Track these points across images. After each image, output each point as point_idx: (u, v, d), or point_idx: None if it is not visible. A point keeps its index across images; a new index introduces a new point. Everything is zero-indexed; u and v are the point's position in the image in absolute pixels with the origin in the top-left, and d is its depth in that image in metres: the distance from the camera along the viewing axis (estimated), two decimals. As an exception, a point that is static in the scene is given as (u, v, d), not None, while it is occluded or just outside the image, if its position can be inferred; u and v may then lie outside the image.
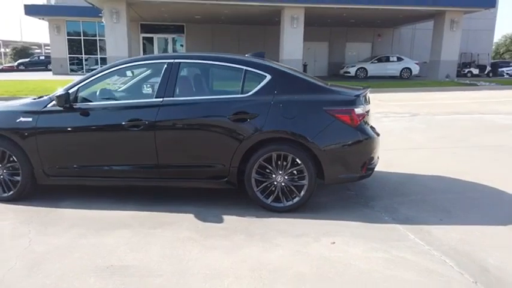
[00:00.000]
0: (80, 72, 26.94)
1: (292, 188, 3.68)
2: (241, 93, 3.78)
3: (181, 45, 26.98)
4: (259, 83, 3.75)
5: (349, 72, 24.63)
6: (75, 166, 3.93)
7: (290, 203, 3.69)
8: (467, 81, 21.09)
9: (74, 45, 27.18)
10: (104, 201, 4.02)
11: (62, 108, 3.86)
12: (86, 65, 27.54)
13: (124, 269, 2.71)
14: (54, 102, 3.90)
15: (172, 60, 3.90)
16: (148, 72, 4.24)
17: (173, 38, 26.89)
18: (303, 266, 2.72)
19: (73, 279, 2.58)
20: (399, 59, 24.97)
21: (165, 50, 26.80)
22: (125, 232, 3.32)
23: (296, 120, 3.60)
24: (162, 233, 3.30)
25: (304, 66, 20.70)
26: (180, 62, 3.89)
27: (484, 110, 11.77)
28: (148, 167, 3.83)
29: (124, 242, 3.14)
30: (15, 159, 3.94)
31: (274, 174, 3.68)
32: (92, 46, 27.74)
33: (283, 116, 3.61)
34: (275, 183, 3.70)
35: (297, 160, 3.61)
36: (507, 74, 33.44)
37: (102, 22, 19.31)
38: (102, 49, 27.10)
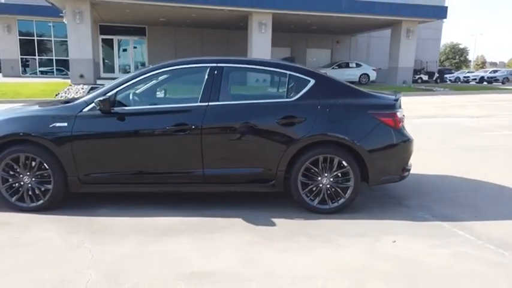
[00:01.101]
0: (32, 74, 25.50)
1: (338, 189, 3.79)
2: (287, 97, 3.85)
3: (134, 47, 26.34)
4: (304, 88, 3.84)
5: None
6: (113, 173, 3.79)
7: (335, 204, 3.81)
8: (423, 87, 22.44)
9: (26, 46, 25.64)
10: (141, 208, 3.91)
11: (99, 113, 3.72)
12: (39, 66, 26.11)
13: (209, 275, 2.68)
14: (91, 106, 3.75)
15: (215, 64, 3.89)
16: (185, 76, 4.19)
17: (134, 40, 26.19)
18: (382, 265, 2.84)
19: (164, 287, 2.52)
20: (358, 65, 26.03)
21: (126, 53, 26.07)
22: (183, 238, 3.27)
23: (343, 124, 3.73)
24: (222, 238, 3.29)
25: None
26: (223, 66, 3.89)
27: (448, 113, 12.63)
28: (194, 172, 3.78)
29: (188, 248, 3.09)
30: (47, 167, 3.73)
31: (320, 176, 3.78)
32: (46, 47, 26.34)
33: (330, 119, 3.73)
34: (320, 185, 3.80)
35: (343, 162, 3.74)
36: (449, 80, 36.01)
37: (64, 22, 18.44)
38: (58, 50, 25.87)
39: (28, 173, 3.77)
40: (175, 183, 3.85)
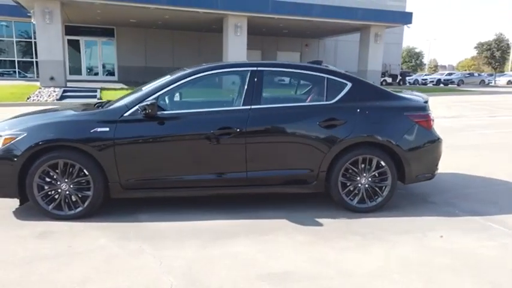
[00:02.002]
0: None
1: (376, 189, 3.95)
2: (326, 100, 3.96)
3: (103, 49, 25.62)
4: (342, 91, 3.97)
5: (283, 80, 25.59)
6: (155, 177, 3.75)
7: (374, 203, 3.96)
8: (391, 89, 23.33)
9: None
10: (181, 212, 3.89)
11: (141, 117, 3.67)
12: None
13: (287, 275, 2.74)
14: (132, 110, 3.70)
15: (255, 68, 3.94)
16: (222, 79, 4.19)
17: (102, 42, 25.42)
18: (442, 259, 3.00)
19: (260, 286, 2.56)
20: (328, 68, 26.66)
21: (94, 54, 25.26)
22: (240, 240, 3.30)
23: (381, 125, 3.89)
24: (278, 239, 3.34)
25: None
26: (263, 70, 3.94)
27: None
28: (237, 175, 3.81)
29: (251, 250, 3.13)
30: (86, 173, 3.63)
31: (359, 176, 3.92)
32: (7, 47, 25.01)
33: (369, 121, 3.88)
34: (359, 185, 3.94)
35: (382, 162, 3.90)
36: (409, 82, 37.69)
37: (32, 22, 17.63)
38: (20, 52, 24.65)
39: (66, 180, 3.65)
40: (218, 186, 3.86)
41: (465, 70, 63.72)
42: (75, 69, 25.01)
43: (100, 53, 25.52)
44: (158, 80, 4.14)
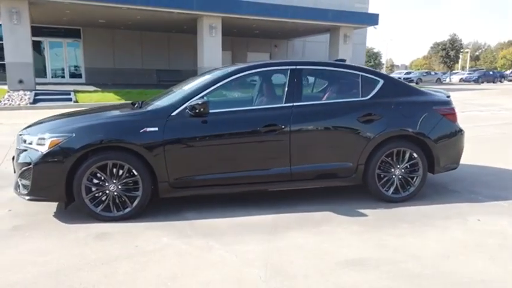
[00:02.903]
0: None
1: (409, 179, 4.19)
2: (361, 96, 4.15)
3: (69, 50, 24.74)
4: (375, 87, 4.18)
5: (255, 80, 25.80)
6: (204, 175, 3.79)
7: (406, 193, 4.19)
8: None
9: None
10: (224, 208, 3.96)
11: (188, 115, 3.71)
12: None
13: (364, 261, 2.89)
14: (180, 109, 3.72)
15: (294, 67, 4.06)
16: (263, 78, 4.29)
17: (68, 43, 24.51)
18: (492, 240, 3.26)
19: (339, 276, 2.68)
20: (298, 68, 27.14)
21: (59, 56, 24.32)
22: (298, 232, 3.41)
23: (414, 119, 4.13)
24: (334, 230, 3.48)
25: (223, 74, 21.12)
26: (302, 68, 4.08)
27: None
28: (282, 171, 3.92)
29: (315, 240, 3.25)
30: (135, 173, 3.62)
31: (393, 168, 4.14)
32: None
33: (403, 115, 4.11)
34: (393, 176, 4.16)
35: (414, 154, 4.14)
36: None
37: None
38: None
39: (114, 181, 3.62)
40: (263, 182, 3.95)
41: (418, 69, 66.71)
42: (40, 72, 23.85)
43: (66, 54, 24.58)
44: (196, 79, 4.17)
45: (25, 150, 3.70)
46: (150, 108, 3.89)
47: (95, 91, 18.04)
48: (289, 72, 4.03)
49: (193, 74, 24.05)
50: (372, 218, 3.77)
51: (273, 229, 3.48)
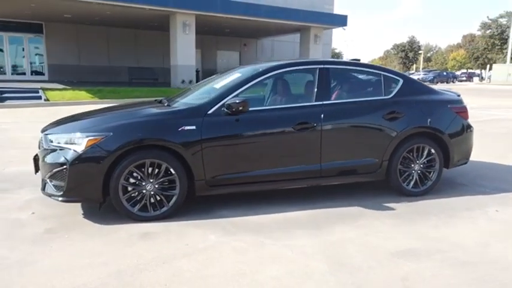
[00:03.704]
0: None
1: (426, 173, 4.41)
2: (384, 95, 4.32)
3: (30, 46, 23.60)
4: (396, 86, 4.37)
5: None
6: (239, 172, 3.81)
7: (425, 187, 4.41)
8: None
9: None
10: (259, 205, 4.00)
11: (224, 114, 3.72)
12: None
13: (414, 251, 3.03)
14: (216, 107, 3.72)
15: (322, 66, 4.17)
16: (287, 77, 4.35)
17: (29, 38, 23.33)
18: (518, 227, 3.53)
19: (398, 266, 2.81)
20: (268, 67, 27.36)
21: (19, 52, 23.10)
22: (340, 227, 3.51)
23: (433, 117, 4.35)
24: (371, 223, 3.61)
25: (197, 72, 20.88)
26: (329, 68, 4.19)
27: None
28: (312, 167, 4.01)
29: (357, 233, 3.37)
30: (173, 172, 3.59)
31: (413, 163, 4.35)
32: None
33: (423, 113, 4.32)
34: (413, 171, 4.37)
35: (432, 150, 4.37)
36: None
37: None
38: None
39: (151, 180, 3.57)
40: (295, 179, 4.03)
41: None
42: (-2, 68, 22.67)
43: (27, 50, 23.40)
44: (225, 77, 4.18)
45: (54, 150, 3.57)
46: (182, 106, 3.86)
47: (64, 89, 17.32)
48: (318, 71, 4.12)
49: (167, 72, 23.79)
50: (400, 211, 3.94)
51: (315, 224, 3.57)
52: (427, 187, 4.41)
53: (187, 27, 19.38)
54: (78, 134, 3.48)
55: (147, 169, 3.54)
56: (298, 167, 3.98)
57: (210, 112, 3.71)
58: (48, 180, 3.59)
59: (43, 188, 3.67)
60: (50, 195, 3.59)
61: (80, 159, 3.39)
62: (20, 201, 4.14)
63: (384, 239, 3.26)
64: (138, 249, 3.03)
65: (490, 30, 44.03)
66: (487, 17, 46.16)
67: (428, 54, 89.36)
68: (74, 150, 3.42)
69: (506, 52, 35.21)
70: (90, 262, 2.82)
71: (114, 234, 3.31)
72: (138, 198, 3.58)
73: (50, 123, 4.11)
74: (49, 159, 3.56)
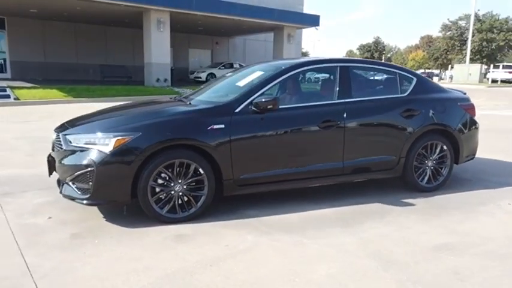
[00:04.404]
0: None
1: (439, 169, 4.53)
2: (400, 93, 4.40)
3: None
4: (410, 84, 4.46)
5: (200, 77, 25.55)
6: (266, 171, 3.77)
7: (437, 182, 4.53)
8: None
9: None
10: (283, 204, 3.97)
11: (251, 112, 3.66)
12: None
13: (451, 245, 3.10)
14: (243, 106, 3.67)
15: (342, 64, 4.19)
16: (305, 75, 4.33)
17: (-9, 34, 22.08)
18: (536, 219, 3.70)
19: (442, 260, 2.87)
20: (241, 66, 27.31)
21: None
22: (370, 223, 3.55)
23: (445, 114, 4.47)
24: (397, 219, 3.67)
25: (172, 70, 20.48)
26: (348, 66, 4.21)
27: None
28: (335, 165, 4.03)
29: (389, 229, 3.41)
30: (201, 172, 3.49)
31: (427, 159, 4.46)
32: None
33: (437, 111, 4.43)
34: (426, 167, 4.48)
35: (444, 146, 4.49)
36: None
37: None
38: None
39: (180, 181, 3.46)
40: (319, 177, 4.03)
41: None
42: (-44, 65, 21.32)
43: (-12, 46, 22.15)
44: (246, 75, 4.12)
45: (75, 151, 3.38)
46: (207, 104, 3.76)
47: (33, 87, 16.52)
48: (339, 69, 4.14)
49: (138, 70, 23.20)
50: (419, 207, 4.02)
51: (343, 222, 3.58)
52: (440, 182, 4.54)
53: (162, 24, 18.99)
54: (105, 134, 3.32)
55: (176, 169, 3.42)
56: (323, 164, 3.98)
57: (237, 110, 3.64)
58: (70, 182, 3.39)
59: (68, 192, 3.48)
60: (73, 199, 3.40)
61: (107, 160, 3.23)
62: (29, 205, 3.90)
63: (416, 235, 3.32)
64: (179, 252, 2.93)
65: (450, 32, 46.14)
66: (448, 19, 48.22)
67: (389, 55, 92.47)
68: (101, 151, 3.25)
69: (466, 53, 36.90)
70: (133, 267, 2.69)
71: (146, 238, 3.18)
72: (166, 199, 3.46)
73: (64, 123, 3.90)
74: (70, 160, 3.38)
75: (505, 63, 36.53)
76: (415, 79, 4.51)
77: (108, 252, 2.92)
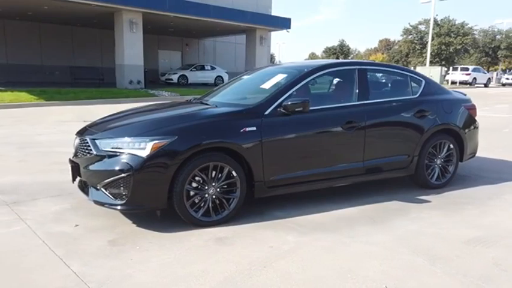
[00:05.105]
0: None
1: (446, 167, 4.75)
2: (412, 94, 4.58)
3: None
4: (420, 86, 4.65)
5: (171, 79, 25.20)
6: (295, 172, 3.81)
7: (445, 180, 4.75)
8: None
9: None
10: (306, 204, 4.02)
11: (280, 114, 3.70)
12: None
13: (480, 239, 3.27)
14: (272, 108, 3.70)
15: (359, 67, 4.31)
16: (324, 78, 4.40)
17: None
18: (544, 211, 3.96)
19: (481, 254, 3.02)
20: (212, 68, 27.21)
21: None
22: (398, 221, 3.66)
23: (452, 115, 4.70)
24: (419, 215, 3.82)
25: (145, 72, 20.03)
26: (366, 68, 4.34)
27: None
28: (356, 165, 4.13)
29: (417, 226, 3.55)
30: (234, 174, 3.49)
31: (436, 158, 4.67)
32: None
33: (445, 112, 4.65)
34: (435, 165, 4.68)
35: (450, 145, 4.72)
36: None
37: None
38: None
39: (213, 184, 3.44)
40: (341, 177, 4.12)
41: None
42: None
43: None
44: (268, 76, 4.16)
45: (104, 156, 3.29)
46: (237, 107, 3.76)
47: (0, 90, 15.68)
48: (357, 71, 4.25)
49: (107, 71, 22.55)
50: (435, 203, 4.20)
51: (372, 220, 3.68)
52: (447, 180, 4.76)
53: (135, 25, 18.60)
54: (140, 138, 3.24)
55: (211, 172, 3.40)
56: (346, 165, 4.07)
57: (267, 113, 3.67)
58: (101, 188, 3.29)
59: (90, 196, 3.37)
60: (105, 204, 3.30)
61: (145, 164, 3.16)
62: (48, 213, 3.74)
63: (445, 230, 3.47)
64: (227, 255, 2.92)
65: (411, 35, 48.10)
66: (409, 23, 50.23)
67: (350, 58, 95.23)
68: (137, 155, 3.18)
69: (426, 56, 38.54)
70: (189, 272, 2.66)
71: (187, 242, 3.14)
72: (200, 203, 3.43)
73: (87, 127, 3.77)
74: (102, 166, 3.28)
75: (462, 66, 38.54)
76: (423, 81, 4.71)
77: (155, 257, 2.86)
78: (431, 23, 35.42)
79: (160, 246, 3.05)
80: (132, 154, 3.20)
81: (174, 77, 25.16)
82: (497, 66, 49.92)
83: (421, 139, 4.46)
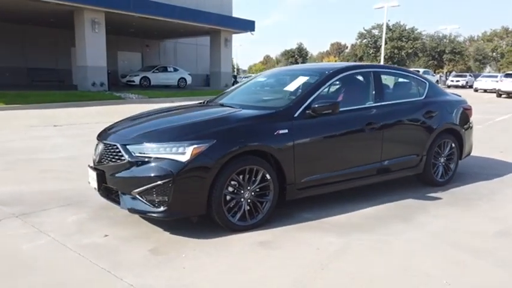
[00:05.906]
0: None
1: (449, 166, 4.99)
2: (419, 96, 4.76)
3: None
4: (425, 88, 4.85)
5: (133, 81, 24.50)
6: (323, 174, 3.84)
7: (447, 177, 4.98)
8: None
9: None
10: (329, 205, 4.06)
11: (308, 116, 3.72)
12: None
13: (504, 232, 3.46)
14: (301, 110, 3.71)
15: (373, 69, 4.42)
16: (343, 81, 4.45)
17: None
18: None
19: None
20: (175, 70, 26.73)
21: None
22: (424, 217, 3.79)
23: (454, 115, 4.94)
24: (440, 213, 3.95)
25: (108, 74, 19.27)
26: (378, 71, 4.46)
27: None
28: (375, 165, 4.23)
29: (442, 222, 3.69)
30: (268, 177, 3.47)
31: (440, 157, 4.88)
32: None
33: (449, 112, 4.87)
34: (439, 164, 4.90)
35: (452, 144, 4.96)
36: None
37: None
38: None
39: (248, 187, 3.39)
40: (362, 177, 4.19)
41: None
42: None
43: None
44: (291, 80, 4.20)
45: (141, 162, 3.15)
46: (279, 110, 3.71)
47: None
48: (372, 74, 4.36)
49: (64, 73, 21.48)
50: (448, 200, 4.38)
51: (399, 218, 3.79)
52: (449, 177, 4.99)
53: (97, 25, 17.90)
54: (178, 143, 3.13)
55: (246, 176, 3.35)
56: (366, 165, 4.16)
57: (296, 115, 3.67)
58: (137, 195, 3.13)
59: (122, 205, 3.21)
60: (142, 212, 3.15)
61: (186, 169, 3.05)
62: (67, 224, 3.52)
63: (472, 225, 3.64)
64: (278, 259, 2.88)
65: (366, 39, 49.94)
66: (363, 28, 52.14)
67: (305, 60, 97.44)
68: (177, 161, 3.06)
69: (380, 59, 40.19)
70: (251, 278, 2.60)
71: (231, 248, 3.07)
72: (235, 208, 3.36)
73: (109, 132, 3.58)
74: (137, 172, 3.13)
75: (414, 69, 40.58)
76: (427, 83, 4.92)
77: (208, 265, 2.77)
78: (384, 28, 37.01)
79: (206, 254, 2.95)
80: (171, 159, 3.08)
81: (136, 79, 24.47)
82: (442, 69, 53.05)
83: (429, 139, 4.64)
